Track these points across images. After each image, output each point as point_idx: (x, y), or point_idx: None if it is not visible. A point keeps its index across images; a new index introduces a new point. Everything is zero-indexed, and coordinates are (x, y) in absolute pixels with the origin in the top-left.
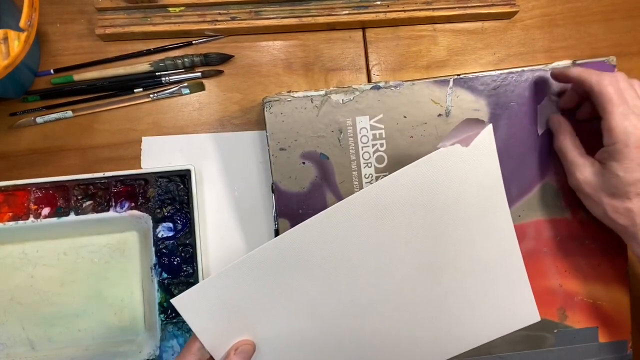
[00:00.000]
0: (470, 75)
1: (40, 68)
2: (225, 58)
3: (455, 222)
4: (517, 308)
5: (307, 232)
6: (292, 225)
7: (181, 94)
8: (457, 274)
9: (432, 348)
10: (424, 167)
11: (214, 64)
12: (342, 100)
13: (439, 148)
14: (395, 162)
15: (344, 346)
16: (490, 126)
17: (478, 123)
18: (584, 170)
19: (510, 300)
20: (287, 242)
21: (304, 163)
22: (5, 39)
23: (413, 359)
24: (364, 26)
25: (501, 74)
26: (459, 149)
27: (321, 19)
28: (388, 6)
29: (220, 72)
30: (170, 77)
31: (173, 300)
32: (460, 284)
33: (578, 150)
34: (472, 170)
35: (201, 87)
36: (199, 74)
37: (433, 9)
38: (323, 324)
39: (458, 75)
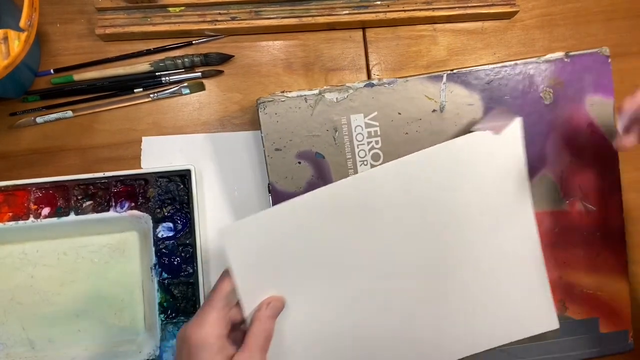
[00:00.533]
0: (463, 70)
1: (40, 68)
2: (225, 58)
3: (479, 209)
4: (535, 312)
5: (348, 186)
6: None
7: (181, 94)
8: (476, 263)
9: (446, 345)
10: (449, 149)
11: (214, 64)
12: (336, 98)
13: (471, 131)
14: (391, 159)
15: (364, 329)
16: (519, 119)
17: (507, 113)
18: None
19: (529, 304)
20: (341, 189)
21: (299, 163)
22: (5, 39)
23: (424, 355)
24: (364, 26)
25: (494, 68)
26: (487, 136)
27: (321, 19)
28: (388, 6)
29: (220, 72)
30: (170, 77)
31: (221, 229)
32: (478, 275)
33: None
34: (497, 160)
35: (201, 87)
36: (199, 74)
37: (433, 9)
38: (350, 294)
39: (451, 70)
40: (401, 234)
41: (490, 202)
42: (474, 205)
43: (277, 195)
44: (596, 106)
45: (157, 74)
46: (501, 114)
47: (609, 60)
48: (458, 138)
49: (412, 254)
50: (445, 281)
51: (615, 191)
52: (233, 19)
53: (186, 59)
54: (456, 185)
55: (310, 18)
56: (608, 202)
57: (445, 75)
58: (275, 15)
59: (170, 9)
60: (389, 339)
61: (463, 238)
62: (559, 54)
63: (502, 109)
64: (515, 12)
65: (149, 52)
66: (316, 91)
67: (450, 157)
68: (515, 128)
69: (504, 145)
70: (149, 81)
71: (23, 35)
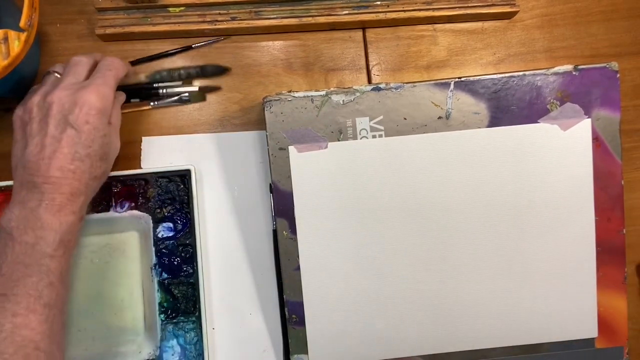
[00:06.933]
0: (471, 78)
1: (40, 68)
2: (221, 70)
3: (541, 201)
4: (578, 317)
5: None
6: (291, 226)
7: (182, 103)
8: (531, 255)
9: (483, 330)
10: (515, 133)
11: (209, 75)
12: (343, 100)
13: (539, 122)
14: None
15: (402, 291)
16: (589, 120)
17: (579, 112)
18: None
19: (575, 307)
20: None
21: None
22: (5, 39)
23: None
24: (364, 26)
25: (502, 77)
26: (554, 130)
27: (321, 19)
28: (388, 6)
29: (217, 89)
30: (168, 90)
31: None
32: (531, 266)
33: None
34: (563, 156)
35: (202, 98)
36: (196, 87)
37: (433, 9)
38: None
39: (459, 78)
40: (462, 205)
41: (553, 197)
42: (536, 196)
43: (280, 195)
44: (602, 121)
45: (154, 85)
46: (571, 111)
47: (618, 75)
48: (524, 125)
49: (468, 224)
50: (496, 264)
51: (618, 207)
52: (233, 19)
53: (182, 71)
54: (519, 170)
55: (310, 18)
56: (610, 217)
57: (452, 82)
58: (275, 16)
59: (170, 9)
60: (422, 307)
61: (521, 227)
62: (568, 67)
63: (574, 106)
64: (515, 12)
65: (149, 59)
66: (323, 92)
67: (515, 141)
68: (584, 128)
69: (572, 144)
70: (147, 92)
71: (23, 36)
